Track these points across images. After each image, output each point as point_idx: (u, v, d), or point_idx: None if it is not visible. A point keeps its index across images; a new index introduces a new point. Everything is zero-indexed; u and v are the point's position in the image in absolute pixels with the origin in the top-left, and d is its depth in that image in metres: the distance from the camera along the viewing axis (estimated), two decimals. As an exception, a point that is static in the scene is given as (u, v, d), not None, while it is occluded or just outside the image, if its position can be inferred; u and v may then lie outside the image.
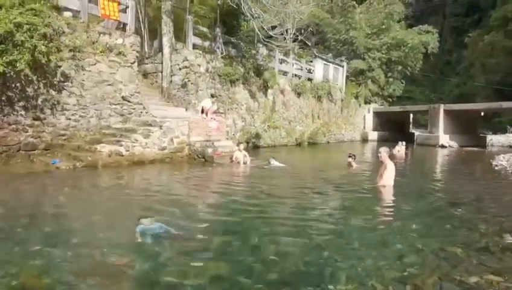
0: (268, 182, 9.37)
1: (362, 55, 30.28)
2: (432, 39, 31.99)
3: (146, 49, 15.49)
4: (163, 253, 4.07)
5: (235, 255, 4.09)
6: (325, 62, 25.92)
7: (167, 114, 12.32)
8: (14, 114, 9.77)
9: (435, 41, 32.32)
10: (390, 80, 32.01)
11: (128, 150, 10.45)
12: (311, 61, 24.81)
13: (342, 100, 27.57)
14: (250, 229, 5.10)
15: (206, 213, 6.07)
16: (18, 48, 9.06)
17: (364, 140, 29.71)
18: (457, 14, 56.81)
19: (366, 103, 30.81)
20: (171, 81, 14.60)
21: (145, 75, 15.10)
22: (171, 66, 14.50)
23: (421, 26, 33.23)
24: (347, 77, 29.05)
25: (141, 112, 12.43)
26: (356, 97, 29.74)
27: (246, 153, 11.99)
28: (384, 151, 7.80)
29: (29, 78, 9.83)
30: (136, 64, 12.81)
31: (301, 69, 23.61)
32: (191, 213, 5.84)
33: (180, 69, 14.90)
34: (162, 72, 14.50)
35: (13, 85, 9.70)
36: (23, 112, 9.93)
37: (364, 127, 30.99)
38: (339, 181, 9.32)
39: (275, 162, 11.49)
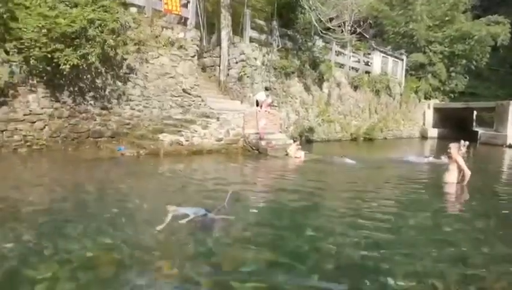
0: (323, 175, 9.27)
1: (423, 48, 28.66)
2: (502, 31, 29.45)
3: (205, 43, 15.88)
4: (220, 238, 4.19)
5: (290, 244, 4.12)
6: (384, 55, 24.91)
7: (224, 106, 12.60)
8: (84, 104, 10.52)
9: (506, 33, 29.70)
10: (453, 74, 29.99)
11: (187, 140, 10.83)
12: (369, 54, 23.96)
13: (401, 95, 26.36)
14: (305, 220, 5.10)
15: (260, 202, 6.18)
16: (90, 42, 9.72)
17: (424, 137, 28.22)
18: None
19: (426, 98, 29.20)
20: (227, 75, 14.87)
21: (203, 68, 15.52)
22: (229, 59, 14.74)
23: (490, 16, 30.69)
24: (406, 70, 27.71)
25: (200, 104, 12.82)
26: (416, 92, 28.27)
27: (300, 147, 11.92)
28: (454, 147, 7.41)
29: (99, 70, 10.53)
30: (196, 57, 13.23)
31: (358, 62, 22.90)
32: (245, 201, 5.95)
33: (236, 62, 15.10)
34: (219, 66, 14.80)
35: (84, 77, 10.44)
36: (92, 102, 10.66)
37: (423, 124, 29.43)
38: (399, 177, 8.97)
39: (347, 160, 11.21)
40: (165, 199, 5.33)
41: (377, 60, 24.23)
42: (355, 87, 21.81)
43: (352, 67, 22.16)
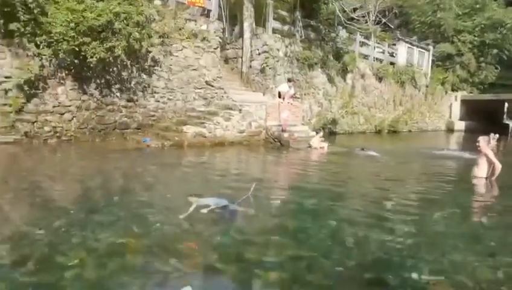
0: (346, 168, 9.18)
1: (451, 38, 27.65)
2: (538, 18, 28.03)
3: (227, 35, 15.88)
4: (243, 229, 4.23)
5: (313, 237, 4.11)
6: (409, 45, 24.25)
7: (246, 98, 12.62)
8: (111, 96, 10.76)
9: (543, 21, 28.24)
10: (483, 65, 28.81)
11: (210, 132, 10.94)
12: (394, 45, 23.39)
13: (427, 86, 25.63)
14: (327, 213, 5.07)
15: (282, 194, 6.20)
16: (116, 35, 9.89)
17: (450, 130, 27.40)
18: None
19: (453, 90, 28.26)
20: (250, 66, 14.85)
21: (226, 60, 15.55)
22: (251, 51, 14.72)
23: (524, 3, 29.24)
24: (433, 61, 26.88)
25: (222, 96, 12.89)
26: (442, 84, 27.40)
27: (323, 139, 11.82)
28: (483, 140, 7.17)
29: (124, 63, 10.72)
30: (218, 49, 13.27)
31: (383, 53, 22.40)
32: (267, 193, 5.96)
33: (259, 54, 15.05)
34: (241, 57, 14.80)
35: (111, 69, 10.67)
36: (118, 94, 10.89)
37: (450, 116, 28.57)
38: (425, 170, 8.79)
39: (369, 151, 11.08)
40: (189, 189, 5.43)
41: (402, 51, 23.63)
42: (380, 79, 21.37)
43: (377, 58, 21.70)
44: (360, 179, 7.96)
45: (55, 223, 4.09)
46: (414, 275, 3.15)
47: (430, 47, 26.20)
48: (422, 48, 25.46)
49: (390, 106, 22.42)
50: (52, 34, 9.26)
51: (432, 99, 26.41)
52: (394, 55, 23.27)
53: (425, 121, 25.99)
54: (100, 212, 4.56)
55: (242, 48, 14.85)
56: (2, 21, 8.78)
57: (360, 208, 5.39)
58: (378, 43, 21.98)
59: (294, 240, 3.99)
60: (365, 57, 20.84)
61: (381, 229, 4.34)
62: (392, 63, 22.75)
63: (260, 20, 15.66)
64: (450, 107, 28.57)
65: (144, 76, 11.34)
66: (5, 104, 9.10)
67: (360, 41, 20.09)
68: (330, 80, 17.97)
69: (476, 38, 27.56)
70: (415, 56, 24.81)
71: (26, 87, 9.21)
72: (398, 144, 17.85)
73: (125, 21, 9.90)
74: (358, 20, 19.66)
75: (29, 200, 5.03)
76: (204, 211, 4.42)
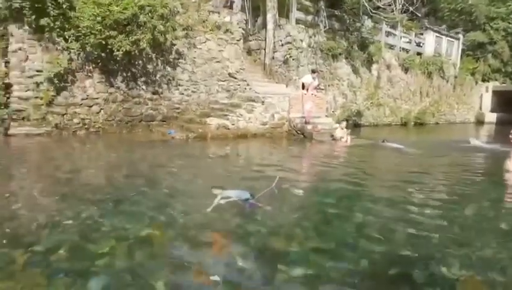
0: (371, 160, 9.05)
1: (482, 25, 26.48)
2: None
3: (250, 26, 15.81)
4: (267, 221, 4.23)
5: (338, 229, 4.10)
6: (438, 34, 23.42)
7: (269, 90, 12.57)
8: (137, 88, 10.96)
9: None
10: (517, 54, 27.54)
11: (233, 124, 10.99)
12: (422, 34, 22.65)
13: (456, 77, 24.73)
14: (352, 206, 5.02)
15: (305, 187, 6.17)
16: (141, 28, 10.02)
17: (480, 122, 26.41)
18: None
19: (484, 80, 27.16)
20: (273, 58, 14.77)
21: (249, 52, 15.51)
22: (274, 42, 14.62)
23: None
24: (463, 51, 25.86)
25: (245, 88, 12.90)
26: (472, 74, 26.37)
27: (347, 131, 11.65)
28: (517, 132, 6.88)
29: (149, 56, 10.88)
30: (241, 41, 13.25)
31: (410, 42, 21.75)
32: (290, 186, 5.91)
33: (282, 45, 14.92)
34: (264, 49, 14.73)
35: (136, 62, 10.85)
36: (144, 87, 11.07)
37: (480, 108, 27.52)
38: (454, 163, 8.54)
39: (392, 143, 10.88)
40: (212, 181, 5.48)
41: (429, 40, 22.86)
42: (406, 70, 20.79)
43: (403, 49, 21.10)
44: (385, 172, 7.82)
45: (86, 212, 4.23)
46: (443, 271, 3.09)
47: (460, 36, 25.22)
48: (451, 36, 24.55)
49: (417, 98, 21.81)
50: (79, 28, 9.49)
51: (460, 90, 25.50)
52: (421, 45, 22.55)
53: (454, 113, 25.16)
54: (128, 202, 4.69)
55: (265, 39, 14.77)
56: (33, 17, 9.06)
57: (386, 201, 5.30)
58: (405, 33, 21.33)
59: (318, 232, 3.98)
60: (391, 47, 20.30)
61: (408, 223, 4.26)
62: (419, 53, 22.07)
63: (283, 10, 15.49)
64: (481, 98, 27.51)
65: (169, 69, 11.47)
66: (37, 97, 9.43)
67: (385, 31, 19.57)
68: (355, 70, 17.63)
69: (510, 25, 26.28)
70: (444, 45, 23.96)
71: (56, 81, 9.52)
72: (424, 136, 17.42)
73: (149, 14, 10.02)
74: (384, 9, 19.10)
75: (61, 189, 5.21)
76: (222, 201, 4.46)
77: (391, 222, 4.32)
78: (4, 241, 3.44)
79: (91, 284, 2.76)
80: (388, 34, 19.98)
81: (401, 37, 20.85)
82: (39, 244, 3.36)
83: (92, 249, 3.32)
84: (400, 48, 20.78)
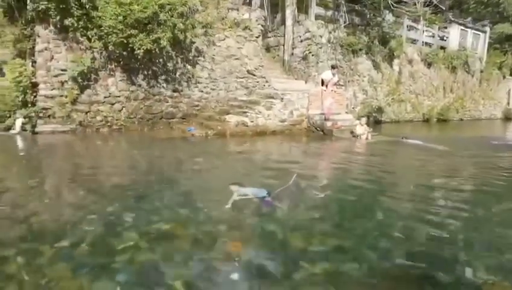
0: (392, 158, 8.90)
1: (510, 17, 25.53)
2: None
3: (269, 23, 15.75)
4: (287, 219, 4.24)
5: (358, 228, 4.05)
6: (463, 28, 22.69)
7: (288, 87, 12.50)
8: (157, 86, 11.11)
9: None
10: (549, 46, 26.41)
11: (252, 121, 11.01)
12: (445, 27, 22.01)
13: (481, 71, 23.93)
14: (373, 204, 4.95)
15: (325, 184, 6.13)
16: (161, 26, 10.14)
17: (507, 118, 25.47)
18: None
19: (512, 74, 26.23)
20: (292, 54, 14.68)
21: (267, 48, 15.46)
22: (293, 38, 14.52)
23: None
24: (490, 44, 24.98)
25: (264, 85, 12.88)
26: (499, 68, 25.43)
27: (368, 128, 11.48)
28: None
29: (169, 54, 11.01)
30: (260, 38, 13.23)
31: (433, 36, 21.16)
32: (309, 183, 5.89)
33: (301, 41, 14.81)
34: (283, 45, 14.65)
35: (157, 61, 10.99)
36: (164, 85, 11.22)
37: (508, 103, 26.56)
38: (478, 160, 8.30)
39: (413, 140, 10.69)
40: (231, 177, 5.50)
41: (454, 34, 22.20)
42: (429, 64, 20.26)
43: (426, 43, 20.56)
44: (407, 170, 7.68)
45: (108, 208, 4.34)
46: (468, 274, 3.00)
47: (487, 28, 24.35)
48: (477, 29, 23.74)
49: (440, 93, 21.24)
50: (102, 28, 9.69)
51: (487, 85, 24.67)
52: (445, 38, 21.91)
53: (479, 109, 24.39)
54: (149, 198, 4.78)
55: (284, 36, 14.69)
56: (58, 17, 9.31)
57: (407, 200, 5.22)
58: (428, 27, 20.79)
59: (339, 231, 3.95)
60: (413, 41, 19.82)
61: (430, 222, 4.18)
62: (442, 48, 21.46)
63: (302, 6, 15.35)
64: (508, 94, 26.52)
65: (188, 66, 11.57)
66: (62, 96, 9.71)
67: (407, 25, 19.12)
68: (376, 66, 17.32)
69: (540, 16, 25.25)
70: (469, 39, 23.21)
71: (79, 79, 9.77)
72: (447, 132, 16.97)
73: (169, 12, 10.12)
74: (406, 2, 18.70)
75: (85, 185, 5.36)
76: (237, 198, 4.48)
77: (413, 221, 4.25)
78: (31, 236, 3.57)
79: (115, 279, 2.83)
80: (410, 28, 19.52)
81: (423, 31, 20.33)
82: (64, 239, 3.48)
83: (115, 243, 3.40)
84: (423, 42, 20.26)
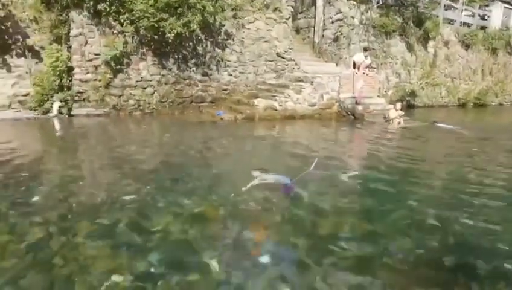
0: (426, 143, 8.65)
1: (561, -7, 23.75)
2: None
3: (298, 4, 15.41)
4: (316, 204, 4.21)
5: (390, 216, 3.98)
6: (506, 6, 21.32)
7: (318, 70, 12.28)
8: (187, 70, 11.20)
9: None
10: None
11: (281, 105, 10.93)
12: (487, 6, 20.79)
13: (526, 53, 22.55)
14: (404, 192, 4.84)
15: (354, 171, 6.07)
16: (191, 9, 10.13)
17: (552, 102, 24.02)
18: None
19: (560, 56, 24.52)
20: (322, 36, 14.35)
21: (297, 30, 15.17)
22: (324, 19, 14.17)
23: None
24: (536, 23, 23.43)
25: (293, 68, 12.70)
26: (546, 49, 23.88)
27: (401, 112, 11.15)
28: None
29: (199, 38, 11.02)
30: (290, 20, 12.98)
31: (473, 16, 20.05)
32: (338, 169, 5.83)
33: (332, 22, 14.42)
34: (314, 27, 14.34)
35: (187, 44, 11.04)
36: (194, 69, 11.28)
37: (553, 86, 24.99)
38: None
39: (446, 125, 10.35)
40: (257, 162, 5.54)
41: (496, 13, 20.92)
42: (467, 46, 19.26)
43: (464, 23, 19.51)
44: (440, 156, 7.44)
45: (142, 190, 4.48)
46: (507, 265, 2.91)
47: (533, 6, 22.84)
48: (522, 7, 22.30)
49: (478, 76, 20.21)
50: (133, 12, 9.80)
51: (530, 67, 23.27)
52: (486, 18, 20.73)
53: (521, 93, 23.10)
54: (182, 181, 4.90)
55: (314, 17, 14.34)
56: (91, 3, 9.49)
57: (441, 187, 5.08)
58: (467, 5, 19.70)
59: (370, 217, 3.91)
60: (450, 22, 18.88)
61: (465, 211, 4.06)
62: (483, 28, 20.33)
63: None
64: (553, 76, 24.94)
65: (218, 50, 11.56)
66: (96, 80, 9.98)
67: (445, 5, 18.19)
68: (409, 48, 16.67)
69: None
70: (513, 18, 21.85)
71: (112, 64, 9.99)
72: (485, 118, 16.25)
73: (199, -5, 10.10)
74: (444, -20, 17.77)
75: (120, 167, 5.55)
76: (256, 183, 4.51)
77: (447, 209, 4.14)
78: (70, 216, 3.75)
79: (149, 258, 2.94)
80: (448, 7, 18.58)
81: (462, 11, 19.29)
82: (102, 218, 3.63)
83: (148, 225, 3.52)
84: (461, 22, 19.26)
